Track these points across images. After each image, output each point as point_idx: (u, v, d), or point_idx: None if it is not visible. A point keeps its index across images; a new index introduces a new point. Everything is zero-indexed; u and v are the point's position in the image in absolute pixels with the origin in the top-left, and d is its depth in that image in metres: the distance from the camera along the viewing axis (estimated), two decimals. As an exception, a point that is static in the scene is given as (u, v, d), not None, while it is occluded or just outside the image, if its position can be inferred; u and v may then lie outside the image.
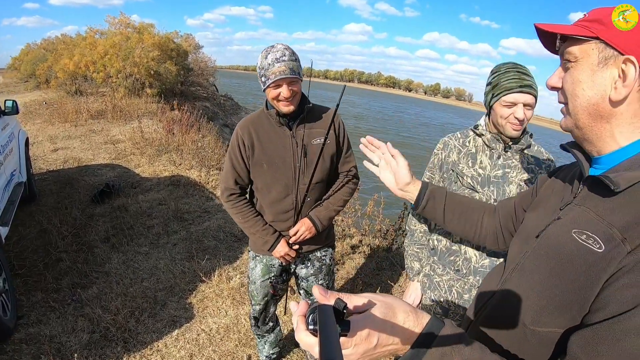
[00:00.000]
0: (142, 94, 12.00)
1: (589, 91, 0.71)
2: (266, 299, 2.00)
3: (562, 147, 0.85)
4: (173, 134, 7.52)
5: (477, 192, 1.50)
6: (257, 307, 2.02)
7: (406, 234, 1.78)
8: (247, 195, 1.89)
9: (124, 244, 3.62)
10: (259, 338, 2.20)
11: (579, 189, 0.78)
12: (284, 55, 1.56)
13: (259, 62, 1.60)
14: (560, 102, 0.79)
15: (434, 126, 39.30)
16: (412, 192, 1.17)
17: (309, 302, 0.57)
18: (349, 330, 0.52)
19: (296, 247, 1.84)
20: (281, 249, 1.79)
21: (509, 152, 1.50)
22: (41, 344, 2.35)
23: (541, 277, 0.73)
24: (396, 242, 4.04)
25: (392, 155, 1.16)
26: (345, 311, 0.51)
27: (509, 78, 1.39)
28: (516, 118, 1.39)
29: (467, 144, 1.57)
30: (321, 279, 1.98)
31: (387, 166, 1.18)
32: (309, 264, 1.96)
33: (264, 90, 1.62)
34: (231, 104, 18.65)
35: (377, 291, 3.25)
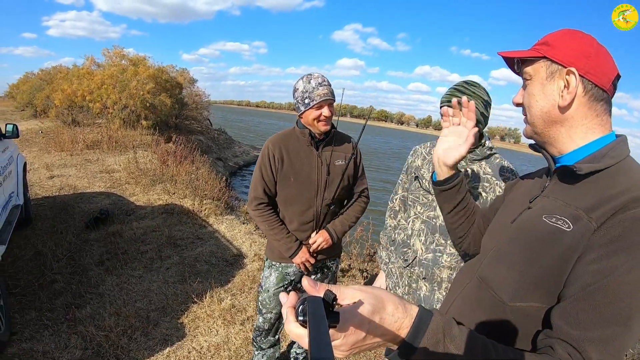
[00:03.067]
0: (137, 125, 12.27)
1: (541, 102, 0.83)
2: (278, 307, 2.09)
3: (532, 146, 0.93)
4: (167, 165, 7.69)
5: (431, 194, 1.64)
6: (268, 316, 2.11)
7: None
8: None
9: (117, 268, 3.68)
10: (257, 350, 2.26)
11: (547, 184, 0.88)
12: (325, 81, 1.80)
13: (302, 86, 1.80)
14: (523, 115, 0.91)
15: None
16: (445, 172, 1.14)
17: (299, 294, 0.57)
18: (339, 322, 0.52)
19: (315, 255, 2.01)
20: (302, 255, 1.96)
21: (464, 162, 1.58)
22: (34, 359, 2.39)
23: (517, 258, 0.80)
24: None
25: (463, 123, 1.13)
26: (334, 303, 0.51)
27: (445, 92, 1.54)
28: None
29: (432, 152, 1.73)
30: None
31: (451, 134, 1.16)
32: (319, 272, 2.15)
33: (303, 112, 1.82)
34: (225, 137, 18.92)
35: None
